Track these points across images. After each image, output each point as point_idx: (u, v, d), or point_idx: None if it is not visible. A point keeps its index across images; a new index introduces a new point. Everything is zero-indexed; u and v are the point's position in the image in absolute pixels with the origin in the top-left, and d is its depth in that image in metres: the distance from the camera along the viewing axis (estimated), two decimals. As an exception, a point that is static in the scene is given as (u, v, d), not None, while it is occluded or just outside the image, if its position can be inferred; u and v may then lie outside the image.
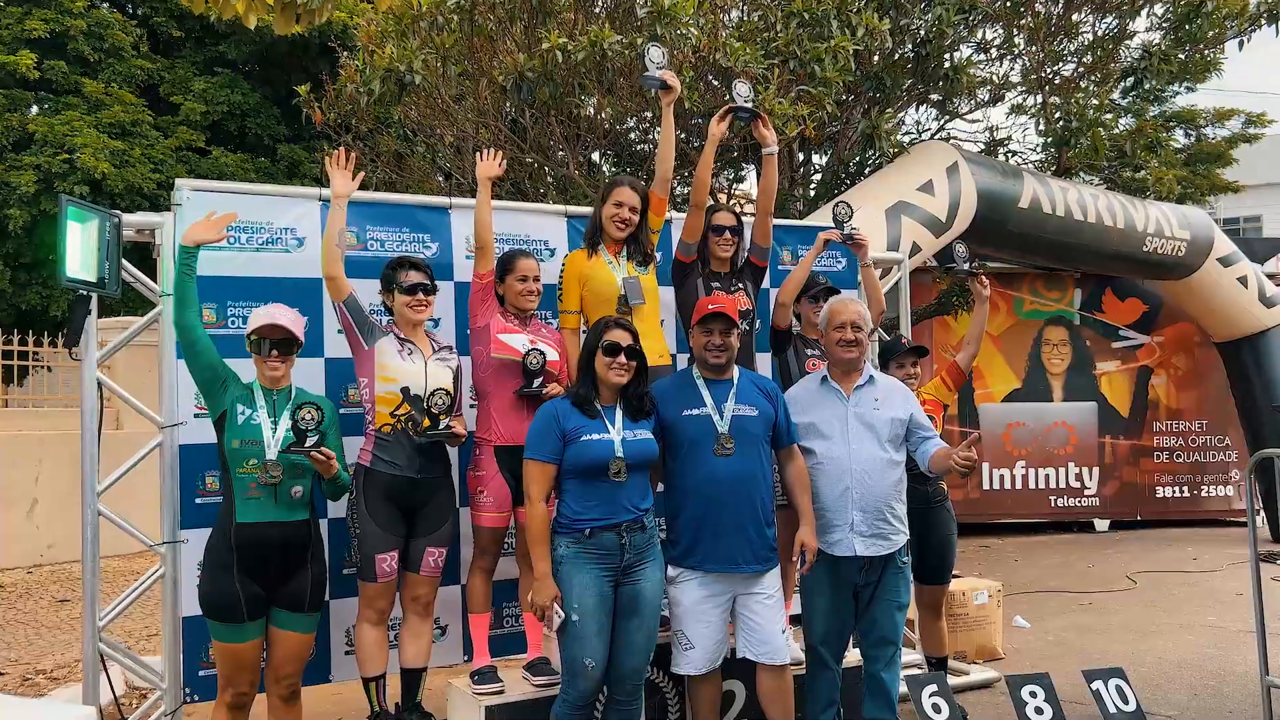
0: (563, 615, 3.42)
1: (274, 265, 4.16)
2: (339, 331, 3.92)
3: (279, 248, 4.18)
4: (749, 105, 4.33)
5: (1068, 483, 10.91)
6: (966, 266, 4.96)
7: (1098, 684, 4.22)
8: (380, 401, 3.76)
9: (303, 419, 3.27)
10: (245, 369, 3.57)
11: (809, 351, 4.65)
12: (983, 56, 8.92)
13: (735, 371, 3.85)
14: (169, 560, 3.94)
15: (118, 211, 3.85)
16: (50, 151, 12.38)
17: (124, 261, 3.91)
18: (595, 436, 3.48)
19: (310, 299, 4.16)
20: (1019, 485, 10.82)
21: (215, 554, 3.36)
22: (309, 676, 4.10)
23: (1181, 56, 8.58)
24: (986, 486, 10.73)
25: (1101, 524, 10.98)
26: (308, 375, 4.11)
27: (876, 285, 4.85)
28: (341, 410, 4.20)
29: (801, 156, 8.57)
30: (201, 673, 3.94)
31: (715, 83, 6.95)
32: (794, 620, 4.15)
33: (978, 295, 4.92)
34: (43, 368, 11.40)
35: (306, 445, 3.30)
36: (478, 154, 4.08)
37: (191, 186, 4.08)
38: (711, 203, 5.23)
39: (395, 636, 4.03)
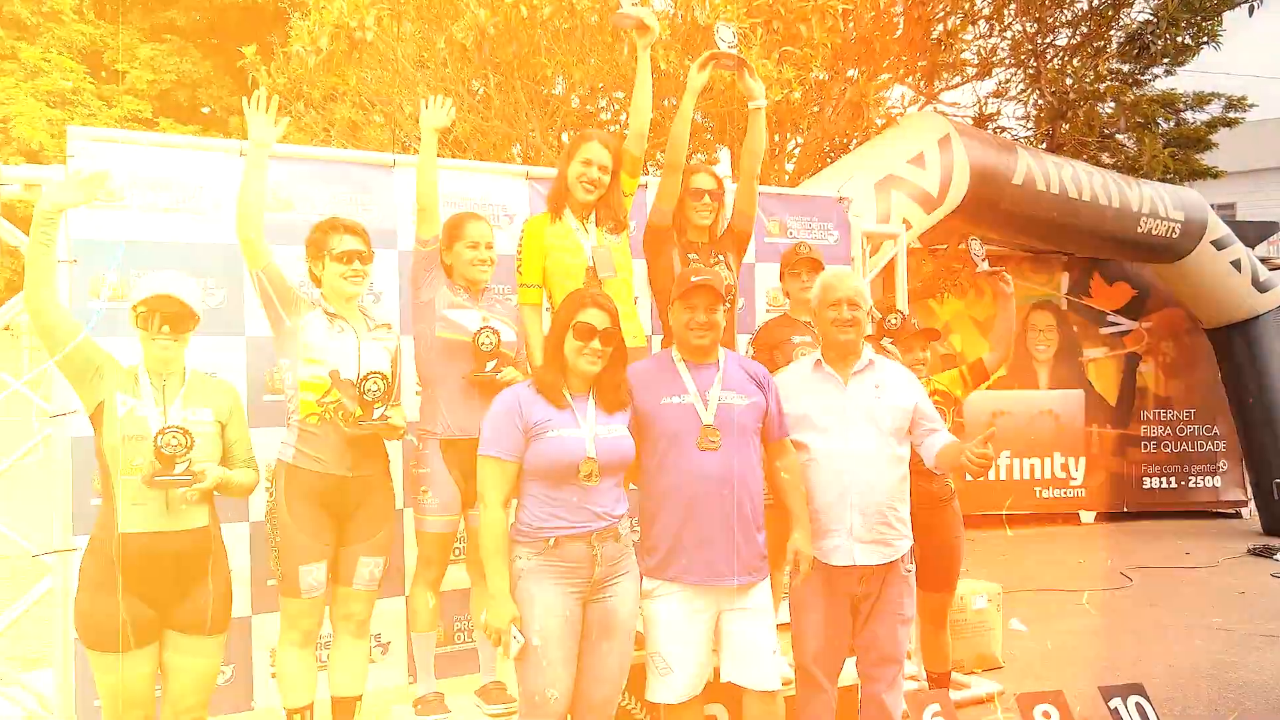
0: (521, 640, 2.90)
1: (186, 228, 3.64)
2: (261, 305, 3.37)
3: (191, 208, 3.63)
4: (733, 52, 3.81)
5: (1053, 473, 10.55)
6: (986, 265, 4.56)
7: (1116, 702, 3.90)
8: (305, 387, 3.20)
9: (167, 444, 2.73)
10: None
11: (795, 338, 4.17)
12: (973, 30, 8.45)
13: (721, 354, 3.35)
14: (59, 571, 3.39)
15: (-7, 163, 3.29)
16: (-18, 120, 11.67)
17: (6, 222, 3.36)
18: (564, 432, 2.96)
19: (228, 267, 3.66)
20: (1004, 476, 10.44)
21: (93, 570, 2.80)
22: (227, 705, 3.62)
23: (1182, 24, 8.15)
24: (969, 477, 10.33)
25: (1087, 516, 10.64)
26: (225, 357, 3.59)
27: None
28: (265, 397, 3.68)
29: (776, 139, 8.05)
30: (97, 702, 3.37)
31: (688, 62, 6.41)
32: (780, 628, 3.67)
33: (1000, 294, 4.49)
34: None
35: (175, 472, 2.75)
36: (423, 102, 3.52)
37: (88, 136, 3.55)
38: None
39: (327, 658, 3.50)
